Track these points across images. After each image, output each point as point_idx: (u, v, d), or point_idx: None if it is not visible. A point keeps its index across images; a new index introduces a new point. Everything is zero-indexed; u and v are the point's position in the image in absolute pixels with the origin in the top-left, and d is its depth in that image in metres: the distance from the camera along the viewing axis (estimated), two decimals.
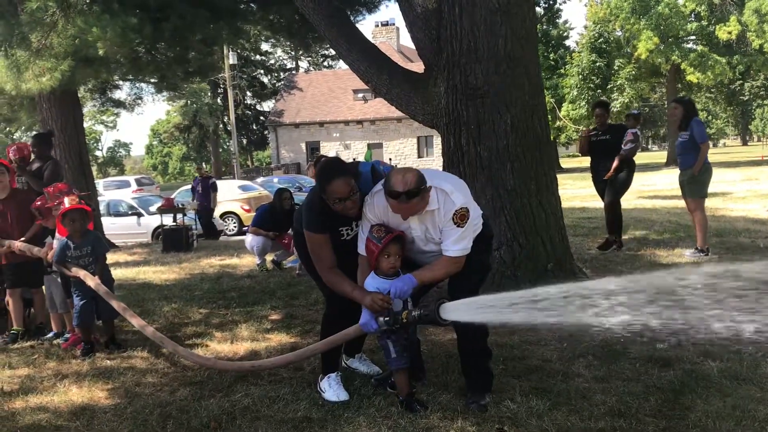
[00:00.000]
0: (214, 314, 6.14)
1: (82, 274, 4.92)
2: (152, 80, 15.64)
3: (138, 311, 6.34)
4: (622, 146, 8.09)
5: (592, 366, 4.11)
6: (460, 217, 3.40)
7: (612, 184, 8.30)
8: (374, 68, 6.41)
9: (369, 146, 40.62)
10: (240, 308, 6.30)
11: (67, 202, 5.11)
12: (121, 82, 15.77)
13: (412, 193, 3.25)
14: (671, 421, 3.28)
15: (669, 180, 21.02)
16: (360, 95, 43.12)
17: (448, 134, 5.80)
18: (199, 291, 7.30)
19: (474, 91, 5.57)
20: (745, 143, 78.45)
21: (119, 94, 15.61)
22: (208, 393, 3.93)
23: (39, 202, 5.47)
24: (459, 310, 3.30)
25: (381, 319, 3.45)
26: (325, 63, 58.02)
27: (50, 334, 5.57)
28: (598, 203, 16.02)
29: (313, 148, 43.66)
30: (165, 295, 7.16)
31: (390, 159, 12.55)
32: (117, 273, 9.05)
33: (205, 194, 15.01)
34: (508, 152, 5.56)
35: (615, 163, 8.05)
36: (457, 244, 3.45)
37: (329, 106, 44.62)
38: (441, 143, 6.05)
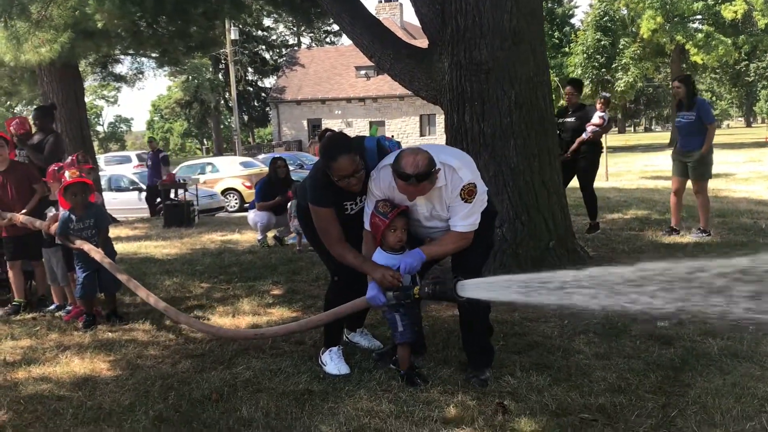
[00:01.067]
0: (216, 288, 6.16)
1: (86, 247, 4.92)
2: (153, 54, 15.54)
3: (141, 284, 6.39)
4: (586, 128, 7.85)
5: (592, 343, 4.12)
6: (468, 193, 3.39)
7: (576, 169, 7.99)
8: (378, 43, 6.35)
9: (371, 124, 40.46)
10: (242, 283, 6.32)
11: (67, 175, 5.10)
12: (122, 57, 15.67)
13: (422, 176, 3.22)
14: (671, 397, 3.30)
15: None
16: (362, 72, 42.87)
17: (451, 111, 5.76)
18: (201, 266, 7.31)
19: (478, 66, 5.52)
20: (749, 125, 78.08)
21: (120, 69, 15.54)
22: (209, 365, 3.95)
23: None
24: (479, 289, 3.25)
25: (390, 293, 3.44)
26: (328, 39, 57.65)
27: (52, 307, 5.59)
28: (601, 183, 16.06)
29: (315, 125, 43.49)
30: (166, 269, 7.17)
31: (392, 136, 12.55)
32: (118, 247, 9.02)
33: (155, 169, 14.84)
34: (511, 129, 5.52)
35: (574, 145, 7.82)
36: (466, 219, 3.44)
37: (331, 83, 44.38)
38: (444, 120, 6.01)
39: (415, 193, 3.34)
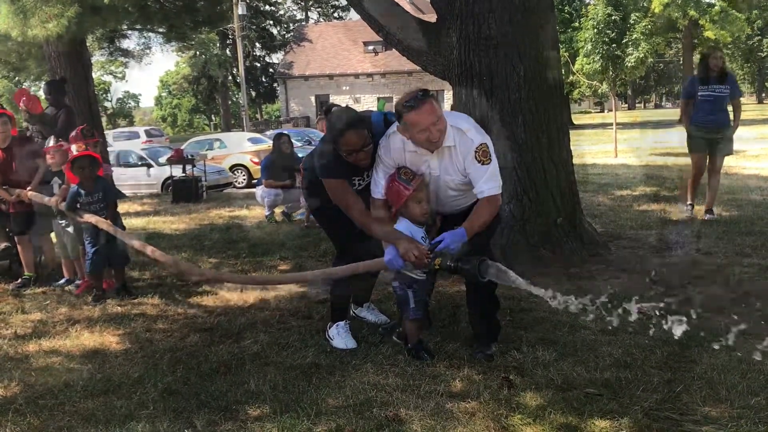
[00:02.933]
0: (224, 263, 6.19)
1: (93, 219, 4.94)
2: (160, 30, 15.46)
3: (149, 261, 6.43)
4: None
5: (599, 319, 4.12)
6: (483, 154, 3.35)
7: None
8: (386, 17, 6.29)
9: (379, 99, 40.27)
10: (249, 258, 6.34)
11: (74, 149, 5.11)
12: (129, 32, 15.59)
13: (425, 92, 3.28)
14: (677, 373, 3.30)
15: (683, 137, 20.64)
16: (370, 48, 42.55)
17: (459, 86, 5.72)
18: (209, 241, 7.34)
19: (487, 41, 5.46)
20: (760, 101, 77.22)
21: (128, 44, 15.47)
22: (217, 339, 3.98)
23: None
24: (503, 274, 3.20)
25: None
26: (336, 14, 57.21)
27: (62, 281, 5.64)
28: (610, 159, 15.98)
29: (323, 101, 43.25)
30: (175, 244, 7.21)
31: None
32: (127, 222, 9.08)
33: None
34: (520, 105, 5.48)
35: None
36: (489, 182, 3.38)
37: (339, 59, 44.11)
38: (452, 96, 5.97)
39: (429, 117, 3.22)
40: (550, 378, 3.26)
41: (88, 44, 14.75)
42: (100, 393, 3.28)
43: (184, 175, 12.62)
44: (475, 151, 3.34)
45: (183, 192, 11.82)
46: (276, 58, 54.02)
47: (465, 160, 3.37)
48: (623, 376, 3.25)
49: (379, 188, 3.52)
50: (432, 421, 2.86)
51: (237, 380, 3.35)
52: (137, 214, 10.38)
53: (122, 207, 11.39)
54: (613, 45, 16.92)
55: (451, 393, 3.14)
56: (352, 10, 6.53)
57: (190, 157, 13.04)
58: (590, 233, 6.00)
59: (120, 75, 72.47)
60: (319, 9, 57.53)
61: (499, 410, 2.94)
